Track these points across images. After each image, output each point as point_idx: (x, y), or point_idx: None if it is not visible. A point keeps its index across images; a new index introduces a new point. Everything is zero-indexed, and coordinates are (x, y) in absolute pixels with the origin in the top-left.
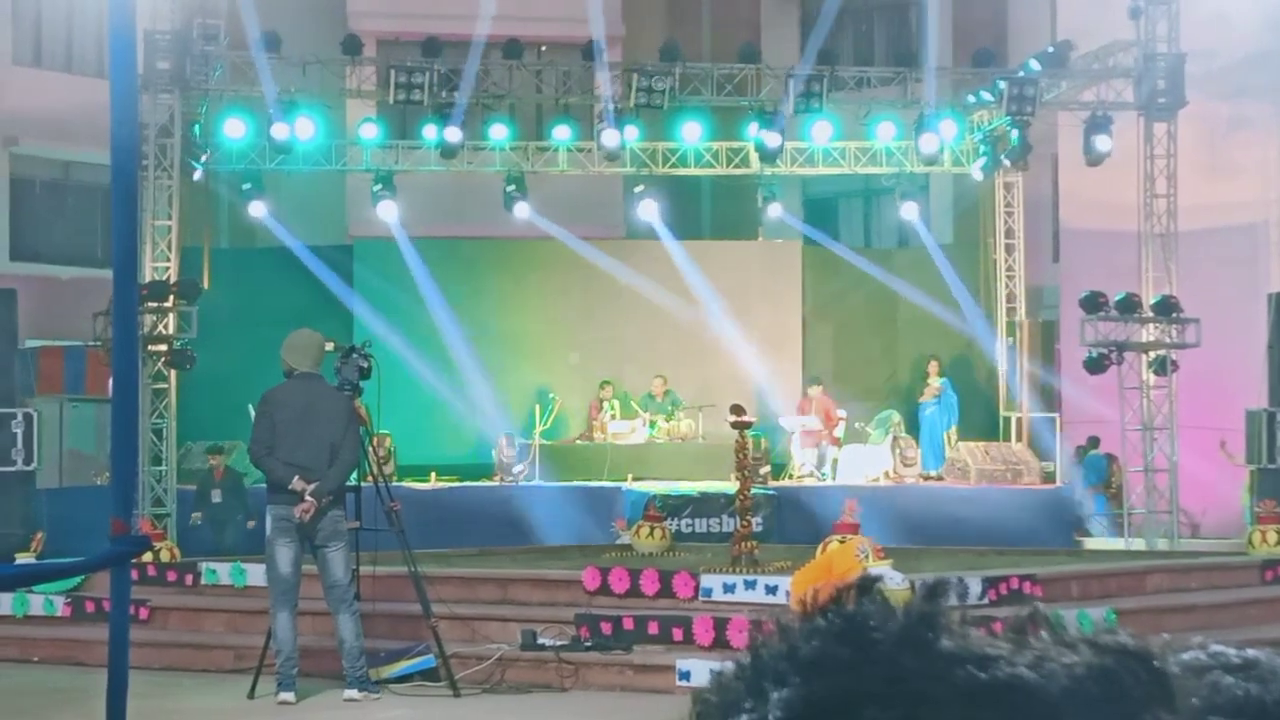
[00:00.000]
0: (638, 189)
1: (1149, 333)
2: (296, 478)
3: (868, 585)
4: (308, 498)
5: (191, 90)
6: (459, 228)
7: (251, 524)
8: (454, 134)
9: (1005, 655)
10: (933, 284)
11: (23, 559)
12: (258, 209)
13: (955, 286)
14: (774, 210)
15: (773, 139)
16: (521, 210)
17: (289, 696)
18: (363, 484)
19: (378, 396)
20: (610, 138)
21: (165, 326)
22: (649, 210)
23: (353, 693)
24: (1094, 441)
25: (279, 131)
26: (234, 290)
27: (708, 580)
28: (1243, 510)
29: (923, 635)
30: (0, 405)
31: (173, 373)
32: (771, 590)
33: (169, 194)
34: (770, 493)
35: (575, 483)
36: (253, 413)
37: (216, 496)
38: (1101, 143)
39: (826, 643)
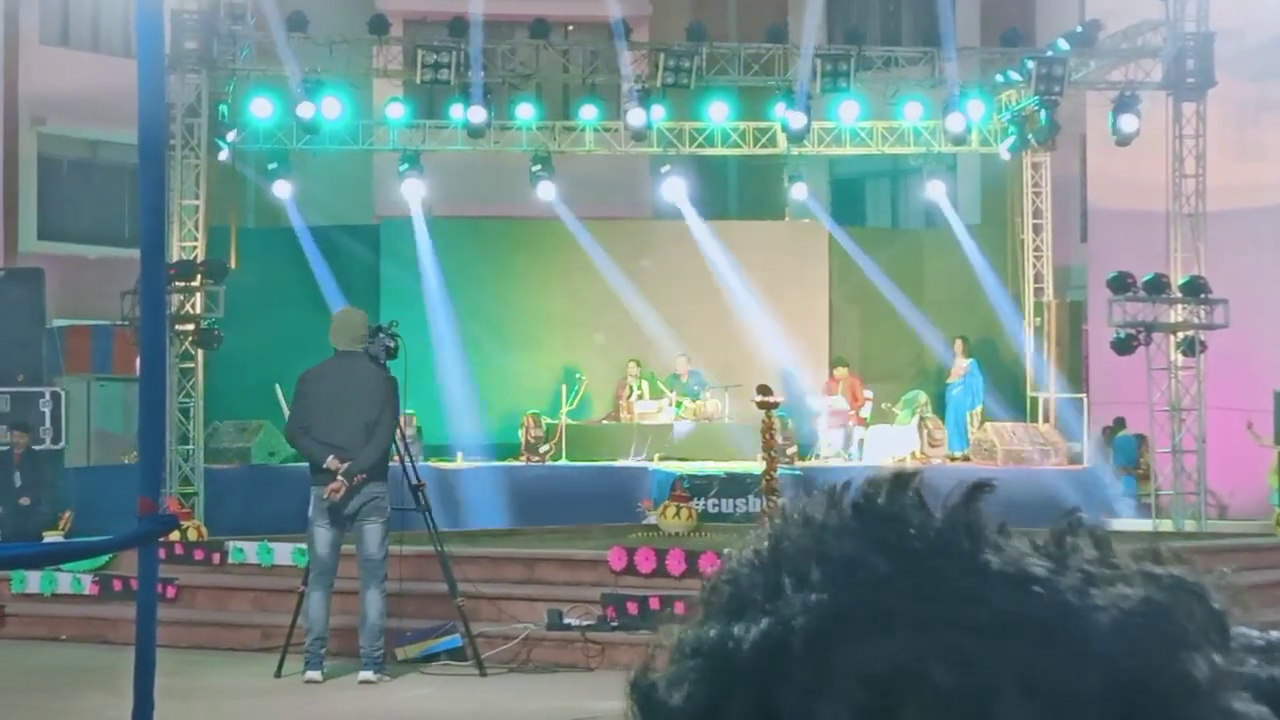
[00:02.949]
0: (664, 169)
1: (1177, 313)
2: (331, 456)
3: (904, 481)
4: (339, 477)
5: (218, 70)
6: (485, 207)
7: (24, 501)
8: (480, 114)
9: (1050, 578)
10: (960, 264)
11: (51, 537)
12: (282, 189)
13: (982, 267)
14: (799, 191)
15: (799, 119)
16: (546, 190)
17: (316, 675)
18: (390, 463)
19: (404, 376)
20: (636, 116)
21: (192, 306)
22: (674, 190)
23: (368, 674)
24: (1120, 423)
25: (305, 111)
26: (261, 270)
27: None
28: (1270, 491)
29: (964, 546)
30: (28, 384)
31: (200, 352)
32: None
33: (196, 174)
34: (797, 473)
35: (601, 463)
36: (279, 392)
37: (17, 480)
38: (1129, 123)
39: (859, 547)
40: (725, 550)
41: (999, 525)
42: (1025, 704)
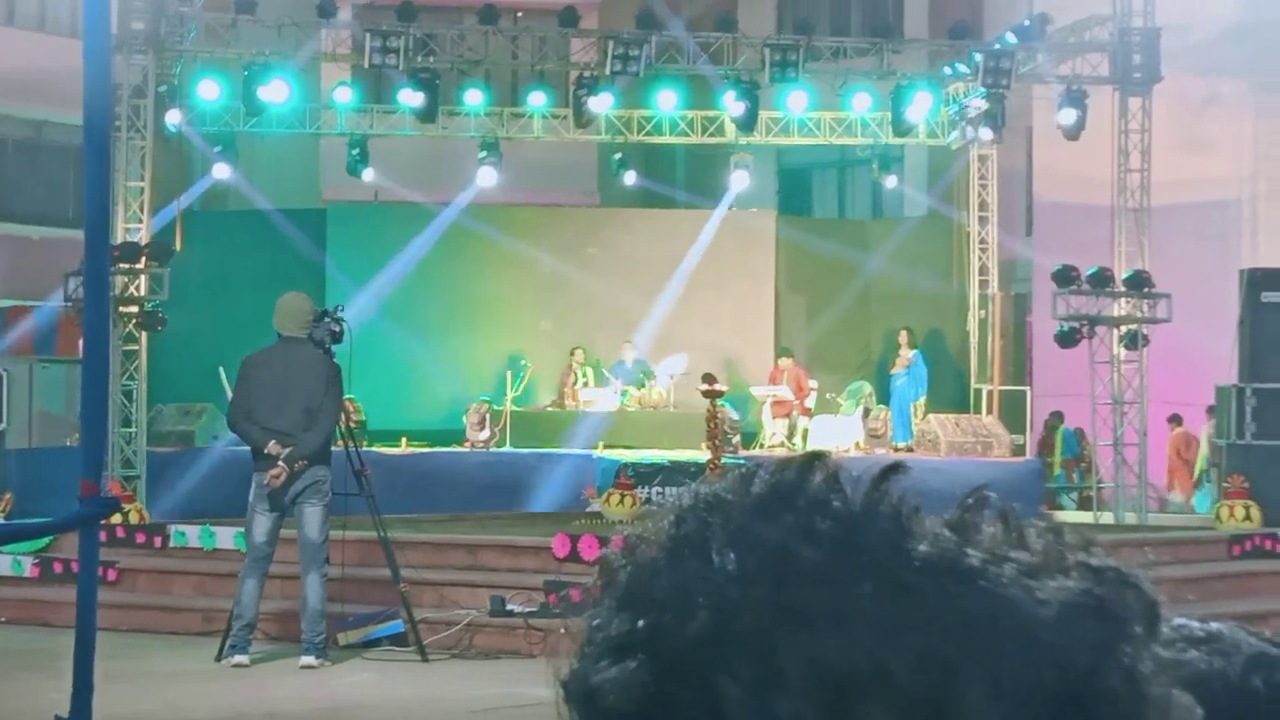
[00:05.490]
0: (616, 156)
1: (1120, 307)
2: (273, 442)
3: (814, 463)
4: (280, 463)
5: (166, 51)
6: (433, 193)
7: None
8: (426, 99)
9: (989, 570)
10: (905, 255)
11: None
12: (222, 170)
13: (928, 258)
14: (738, 180)
15: (748, 109)
16: (487, 176)
17: (244, 659)
18: (333, 448)
19: (349, 361)
20: (599, 103)
21: (136, 288)
22: (634, 181)
23: (309, 659)
24: (1059, 416)
25: (266, 93)
26: (206, 253)
27: None
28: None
29: (898, 538)
30: None
31: (143, 334)
32: None
33: (141, 155)
34: (741, 462)
35: (546, 450)
36: (223, 375)
37: None
38: (1075, 117)
39: (798, 540)
40: (628, 532)
41: (914, 508)
42: (992, 700)
